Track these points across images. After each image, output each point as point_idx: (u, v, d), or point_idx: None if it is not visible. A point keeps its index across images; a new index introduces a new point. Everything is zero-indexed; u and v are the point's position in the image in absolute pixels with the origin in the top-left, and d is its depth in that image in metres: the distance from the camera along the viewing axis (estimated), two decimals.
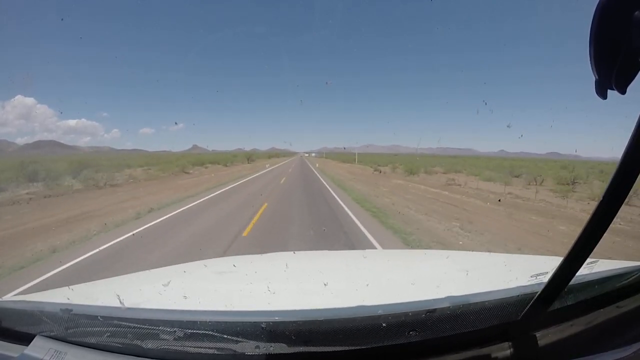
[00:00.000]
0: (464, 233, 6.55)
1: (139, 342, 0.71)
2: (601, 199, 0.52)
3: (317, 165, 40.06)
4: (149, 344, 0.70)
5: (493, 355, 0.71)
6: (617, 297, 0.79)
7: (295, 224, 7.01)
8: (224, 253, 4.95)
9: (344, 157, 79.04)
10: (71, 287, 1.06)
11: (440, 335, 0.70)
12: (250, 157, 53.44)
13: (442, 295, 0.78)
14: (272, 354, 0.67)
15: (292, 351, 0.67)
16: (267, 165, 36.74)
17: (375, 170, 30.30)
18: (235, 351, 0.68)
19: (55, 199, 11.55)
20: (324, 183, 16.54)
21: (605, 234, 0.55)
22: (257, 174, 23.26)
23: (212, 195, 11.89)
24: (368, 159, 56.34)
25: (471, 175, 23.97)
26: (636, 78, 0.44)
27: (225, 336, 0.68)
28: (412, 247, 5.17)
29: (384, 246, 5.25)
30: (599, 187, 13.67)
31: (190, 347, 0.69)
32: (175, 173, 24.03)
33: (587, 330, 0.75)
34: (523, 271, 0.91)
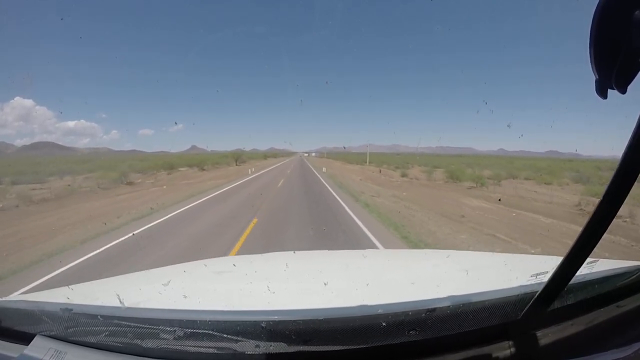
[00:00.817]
0: None
1: (139, 342, 0.71)
2: (601, 199, 0.52)
3: (323, 169, 26.93)
4: (149, 344, 0.70)
5: (493, 355, 0.71)
6: (617, 296, 0.79)
7: None
8: None
9: (348, 157, 68.75)
10: (71, 286, 1.06)
11: (441, 334, 0.70)
12: (239, 157, 43.43)
13: (443, 295, 0.78)
14: (272, 354, 0.67)
15: (292, 350, 0.67)
16: (250, 172, 25.85)
17: (402, 176, 22.25)
18: (235, 350, 0.68)
19: None
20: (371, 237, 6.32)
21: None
22: (228, 188, 14.63)
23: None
24: (375, 160, 48.79)
25: (542, 184, 17.01)
26: (636, 78, 0.44)
27: (225, 335, 0.68)
28: None
29: None
30: None
31: (190, 346, 0.69)
32: (112, 186, 16.73)
33: (588, 330, 0.75)
34: (523, 271, 0.91)
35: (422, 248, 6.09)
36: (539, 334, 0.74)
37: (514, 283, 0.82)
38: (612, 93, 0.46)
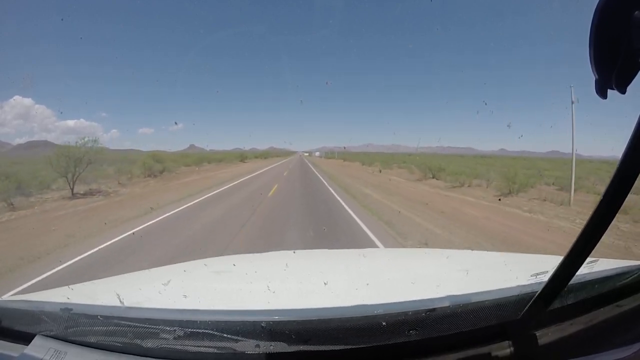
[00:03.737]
0: None
1: (139, 342, 0.71)
2: (601, 198, 0.52)
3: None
4: (149, 343, 0.70)
5: (493, 354, 0.71)
6: (617, 296, 0.79)
7: None
8: None
9: (361, 157, 44.75)
10: (71, 286, 1.06)
11: (440, 334, 0.70)
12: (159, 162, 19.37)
13: (442, 295, 0.78)
14: (272, 353, 0.67)
15: (292, 350, 0.67)
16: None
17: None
18: (235, 350, 0.68)
19: None
20: None
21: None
22: None
23: None
24: (385, 160, 33.40)
25: None
26: (636, 78, 0.44)
27: (225, 335, 0.68)
28: None
29: None
30: None
31: (190, 346, 0.69)
32: None
33: (587, 330, 0.75)
34: (523, 270, 0.91)
35: None
36: (538, 333, 0.74)
37: (514, 283, 0.82)
38: (612, 93, 0.46)
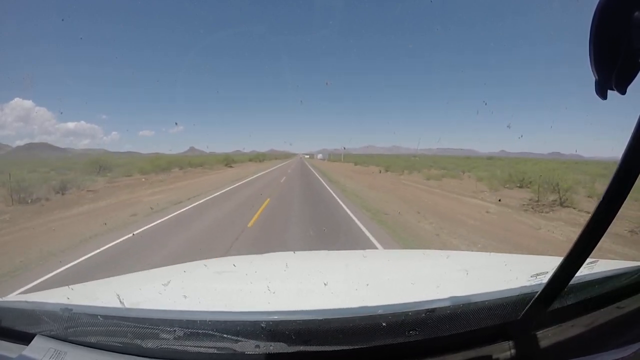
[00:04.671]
0: None
1: (139, 342, 0.71)
2: (601, 199, 0.52)
3: None
4: (149, 344, 0.70)
5: (493, 355, 0.71)
6: (617, 297, 0.79)
7: None
8: None
9: (366, 160, 41.14)
10: (71, 286, 1.06)
11: (440, 334, 0.70)
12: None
13: (442, 295, 0.78)
14: (272, 354, 0.67)
15: (292, 350, 0.67)
16: None
17: None
18: (235, 350, 0.68)
19: None
20: None
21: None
22: None
23: None
24: (392, 162, 30.12)
25: None
26: (636, 78, 0.44)
27: (225, 335, 0.68)
28: None
29: None
30: None
31: (190, 346, 0.69)
32: None
33: (587, 330, 0.75)
34: (523, 271, 0.91)
35: None
36: (538, 334, 0.74)
37: (514, 283, 0.82)
38: (612, 94, 0.46)
